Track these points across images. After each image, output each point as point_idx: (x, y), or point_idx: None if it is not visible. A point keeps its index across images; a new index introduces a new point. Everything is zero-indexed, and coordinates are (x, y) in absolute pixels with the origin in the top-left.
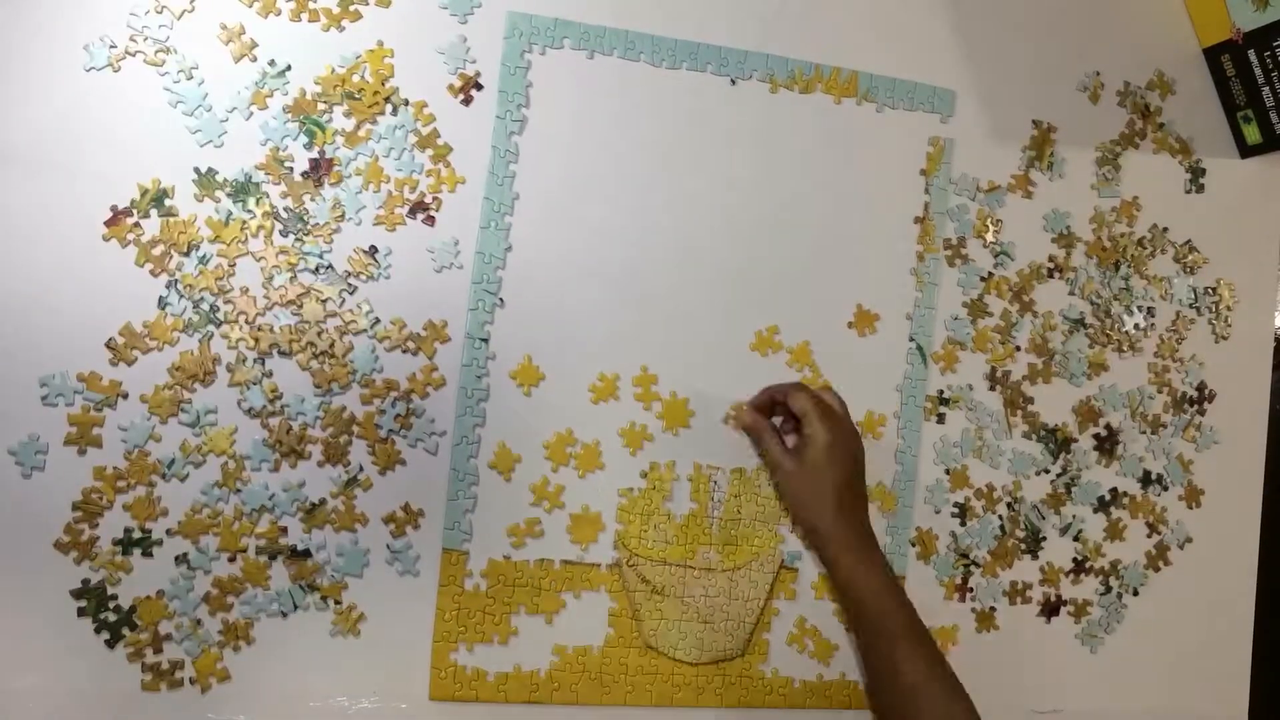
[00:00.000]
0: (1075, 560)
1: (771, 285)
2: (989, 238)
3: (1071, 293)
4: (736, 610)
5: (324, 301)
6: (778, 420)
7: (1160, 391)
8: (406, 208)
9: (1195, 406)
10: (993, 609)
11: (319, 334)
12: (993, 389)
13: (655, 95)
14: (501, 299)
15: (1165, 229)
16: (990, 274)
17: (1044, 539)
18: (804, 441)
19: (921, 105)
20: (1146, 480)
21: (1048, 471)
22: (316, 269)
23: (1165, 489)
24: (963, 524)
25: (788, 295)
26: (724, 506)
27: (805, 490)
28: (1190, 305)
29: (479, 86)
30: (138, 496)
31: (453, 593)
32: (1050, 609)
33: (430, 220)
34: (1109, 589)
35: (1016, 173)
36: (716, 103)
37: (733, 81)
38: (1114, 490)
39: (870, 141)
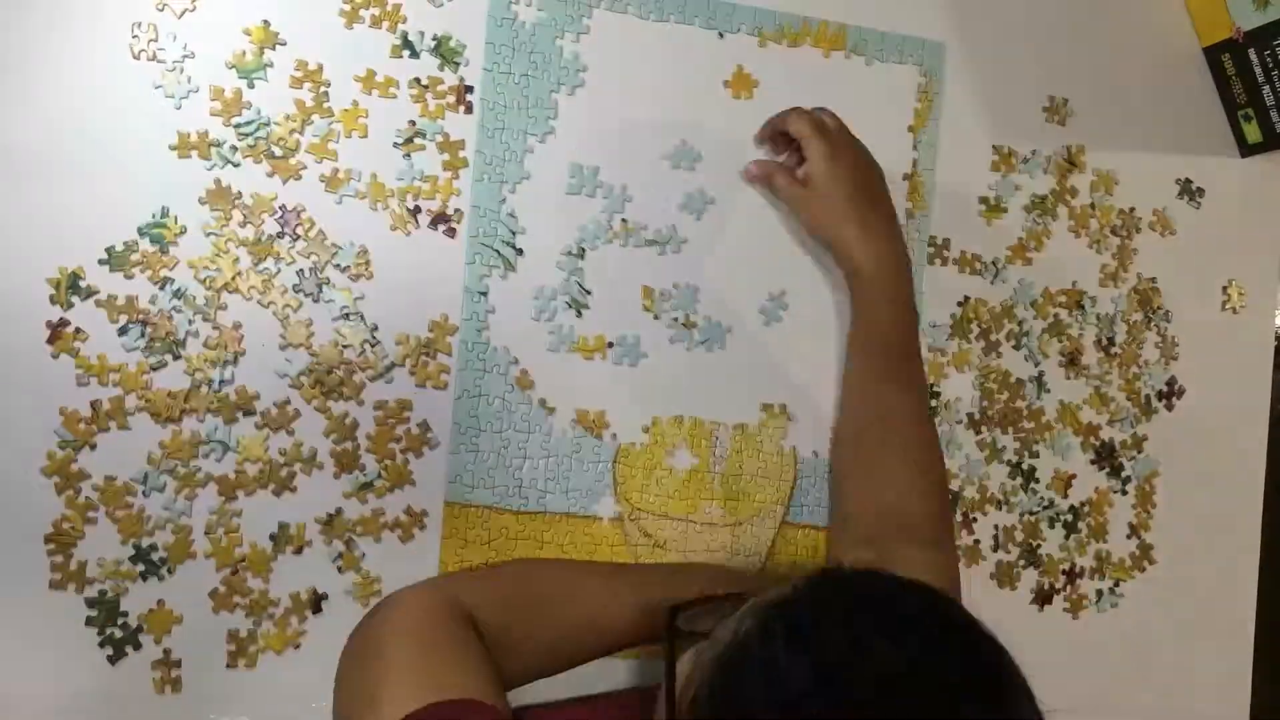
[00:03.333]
0: (1070, 559)
1: (758, 242)
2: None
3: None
4: (738, 565)
5: (343, 349)
6: (783, 158)
7: (1135, 394)
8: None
9: (1164, 401)
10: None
11: (328, 372)
12: (976, 421)
13: (642, 48)
14: (521, 249)
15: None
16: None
17: (1040, 547)
18: (808, 164)
19: (910, 58)
20: (1145, 493)
21: (1040, 493)
22: (346, 315)
23: (1155, 494)
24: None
25: (775, 251)
26: (726, 463)
27: (819, 211)
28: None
29: (469, 89)
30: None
31: (455, 545)
32: (1043, 598)
33: (451, 232)
34: (1106, 589)
35: (1016, 172)
36: (704, 56)
37: (720, 35)
38: (1092, 496)
39: (859, 96)
